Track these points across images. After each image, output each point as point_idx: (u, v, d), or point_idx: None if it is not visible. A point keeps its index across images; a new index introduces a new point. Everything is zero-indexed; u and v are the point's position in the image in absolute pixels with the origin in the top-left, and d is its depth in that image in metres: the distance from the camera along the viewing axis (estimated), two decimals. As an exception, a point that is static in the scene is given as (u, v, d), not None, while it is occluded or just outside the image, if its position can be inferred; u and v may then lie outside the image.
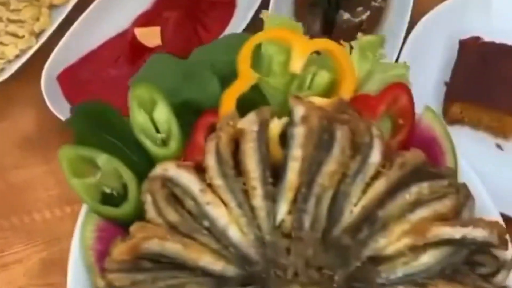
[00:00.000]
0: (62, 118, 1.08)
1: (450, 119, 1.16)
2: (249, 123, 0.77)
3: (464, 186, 0.85)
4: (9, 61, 1.26)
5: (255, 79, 0.82)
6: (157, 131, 0.83)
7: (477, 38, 1.20)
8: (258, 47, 0.86)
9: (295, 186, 0.76)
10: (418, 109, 0.87)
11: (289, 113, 0.79)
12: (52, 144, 0.85)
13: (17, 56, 1.26)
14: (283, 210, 0.76)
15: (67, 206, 1.00)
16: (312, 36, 0.91)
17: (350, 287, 0.76)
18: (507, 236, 0.79)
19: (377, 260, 0.78)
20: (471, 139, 1.16)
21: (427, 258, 0.78)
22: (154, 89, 0.82)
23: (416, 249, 0.78)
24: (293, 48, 0.82)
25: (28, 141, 1.14)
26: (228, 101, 0.80)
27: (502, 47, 1.19)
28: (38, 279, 0.99)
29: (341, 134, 0.78)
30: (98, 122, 0.81)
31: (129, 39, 1.24)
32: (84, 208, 0.80)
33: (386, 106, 0.85)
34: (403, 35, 1.20)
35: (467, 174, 0.88)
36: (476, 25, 1.23)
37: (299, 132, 0.77)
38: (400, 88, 0.86)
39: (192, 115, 0.83)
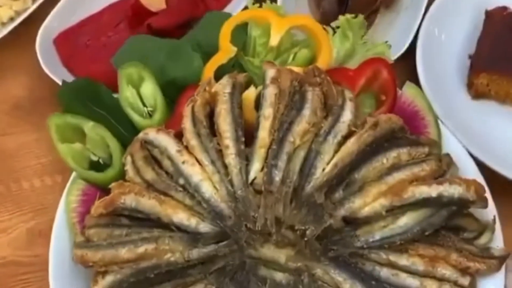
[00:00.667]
0: (58, 81, 1.02)
1: (476, 92, 1.09)
2: (222, 86, 0.81)
3: (447, 155, 0.84)
4: (3, 24, 1.19)
5: (234, 52, 0.86)
6: (144, 105, 0.88)
7: (504, 8, 1.14)
8: (245, 30, 0.92)
9: (266, 144, 0.78)
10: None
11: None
12: (44, 112, 0.79)
13: (12, 19, 1.19)
14: (255, 167, 0.78)
15: (58, 174, 0.95)
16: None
17: (327, 249, 0.76)
18: (487, 194, 0.78)
19: (355, 224, 0.78)
20: (498, 113, 1.08)
21: (406, 220, 0.77)
22: (142, 67, 0.88)
23: (394, 211, 0.77)
24: (272, 25, 0.87)
25: (19, 107, 1.10)
26: (208, 72, 0.85)
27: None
28: (23, 250, 0.95)
29: (312, 95, 0.80)
30: (88, 96, 0.87)
31: (131, 2, 1.17)
32: (72, 175, 0.84)
33: (365, 80, 0.87)
34: (424, 5, 1.12)
35: (453, 146, 0.87)
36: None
37: (269, 92, 0.80)
38: (379, 63, 0.88)
39: (178, 92, 0.88)
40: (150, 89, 0.87)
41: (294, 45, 0.91)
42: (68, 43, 1.15)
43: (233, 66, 0.88)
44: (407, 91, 0.90)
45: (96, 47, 1.13)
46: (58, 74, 1.05)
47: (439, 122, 0.89)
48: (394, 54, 0.98)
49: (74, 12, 1.21)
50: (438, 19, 1.13)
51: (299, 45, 0.91)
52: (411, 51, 1.06)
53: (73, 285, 0.80)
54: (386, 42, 0.92)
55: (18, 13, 1.19)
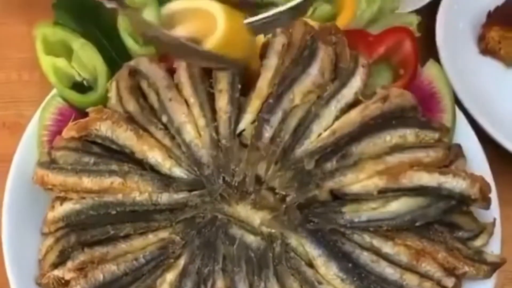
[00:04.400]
0: None
1: (485, 47, 0.98)
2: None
3: (457, 146, 0.77)
4: None
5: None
6: (143, 33, 0.81)
7: None
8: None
9: (263, 95, 0.71)
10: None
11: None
12: (39, 12, 0.76)
13: None
14: (247, 118, 0.71)
15: (37, 71, 0.85)
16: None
17: (307, 220, 0.70)
18: (492, 194, 0.71)
19: (343, 200, 0.71)
20: (503, 76, 0.97)
21: (398, 205, 0.70)
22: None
23: (386, 194, 0.70)
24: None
25: (16, 1, 1.02)
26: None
27: None
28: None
29: (323, 54, 0.73)
30: (85, 12, 0.80)
31: None
32: (52, 91, 0.78)
33: (385, 48, 0.79)
34: None
35: (466, 136, 0.80)
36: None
37: (277, 41, 0.72)
38: (404, 32, 0.80)
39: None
40: (152, 15, 0.79)
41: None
42: None
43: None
44: (428, 70, 0.82)
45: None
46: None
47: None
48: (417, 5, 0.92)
49: None
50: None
51: (321, 0, 0.84)
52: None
53: (30, 206, 0.74)
54: (417, 14, 0.84)
55: None
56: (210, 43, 0.54)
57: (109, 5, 0.82)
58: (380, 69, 0.82)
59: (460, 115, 0.81)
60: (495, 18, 0.95)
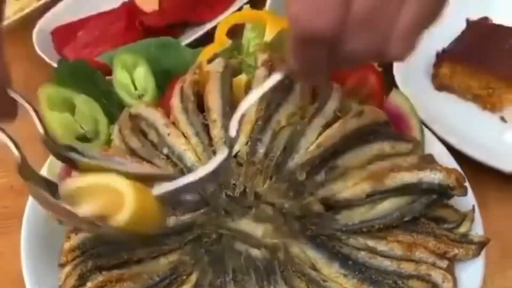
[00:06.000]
0: (53, 64, 1.05)
1: (439, 83, 1.08)
2: (214, 65, 0.84)
3: (429, 155, 0.85)
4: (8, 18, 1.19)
5: (228, 44, 0.89)
6: (136, 89, 0.90)
7: (485, 18, 1.15)
8: (240, 35, 0.95)
9: (253, 120, 0.79)
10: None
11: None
12: (35, 92, 0.86)
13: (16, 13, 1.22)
14: (240, 141, 0.78)
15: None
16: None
17: (305, 228, 0.76)
18: (466, 184, 0.78)
19: (335, 210, 0.77)
20: (458, 107, 1.07)
21: (386, 206, 0.77)
22: (137, 54, 0.90)
23: (374, 197, 0.77)
24: (267, 22, 0.91)
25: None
26: (202, 58, 0.88)
27: (509, 30, 1.11)
28: (-7, 200, 0.96)
29: (301, 81, 0.82)
30: (82, 76, 0.89)
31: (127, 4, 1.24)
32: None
33: (353, 82, 0.90)
34: None
35: (436, 149, 0.88)
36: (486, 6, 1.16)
37: (260, 73, 0.82)
38: (368, 67, 0.90)
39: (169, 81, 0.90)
40: (142, 73, 0.89)
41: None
42: (64, 35, 1.19)
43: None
44: (393, 97, 0.92)
45: (90, 36, 1.17)
46: (54, 61, 1.07)
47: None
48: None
49: (73, 12, 1.26)
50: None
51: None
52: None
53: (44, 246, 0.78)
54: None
55: (22, 9, 1.24)
56: (120, 221, 0.54)
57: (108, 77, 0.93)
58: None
59: (428, 132, 0.90)
60: (443, 56, 1.07)
